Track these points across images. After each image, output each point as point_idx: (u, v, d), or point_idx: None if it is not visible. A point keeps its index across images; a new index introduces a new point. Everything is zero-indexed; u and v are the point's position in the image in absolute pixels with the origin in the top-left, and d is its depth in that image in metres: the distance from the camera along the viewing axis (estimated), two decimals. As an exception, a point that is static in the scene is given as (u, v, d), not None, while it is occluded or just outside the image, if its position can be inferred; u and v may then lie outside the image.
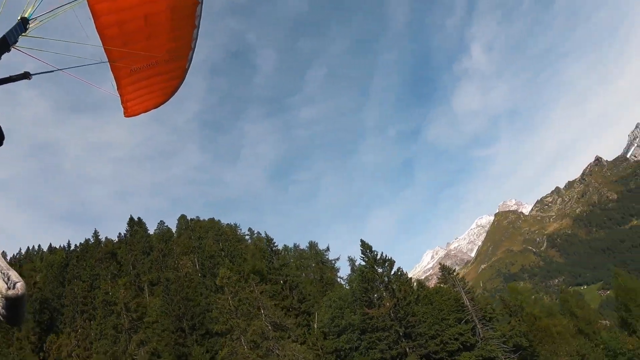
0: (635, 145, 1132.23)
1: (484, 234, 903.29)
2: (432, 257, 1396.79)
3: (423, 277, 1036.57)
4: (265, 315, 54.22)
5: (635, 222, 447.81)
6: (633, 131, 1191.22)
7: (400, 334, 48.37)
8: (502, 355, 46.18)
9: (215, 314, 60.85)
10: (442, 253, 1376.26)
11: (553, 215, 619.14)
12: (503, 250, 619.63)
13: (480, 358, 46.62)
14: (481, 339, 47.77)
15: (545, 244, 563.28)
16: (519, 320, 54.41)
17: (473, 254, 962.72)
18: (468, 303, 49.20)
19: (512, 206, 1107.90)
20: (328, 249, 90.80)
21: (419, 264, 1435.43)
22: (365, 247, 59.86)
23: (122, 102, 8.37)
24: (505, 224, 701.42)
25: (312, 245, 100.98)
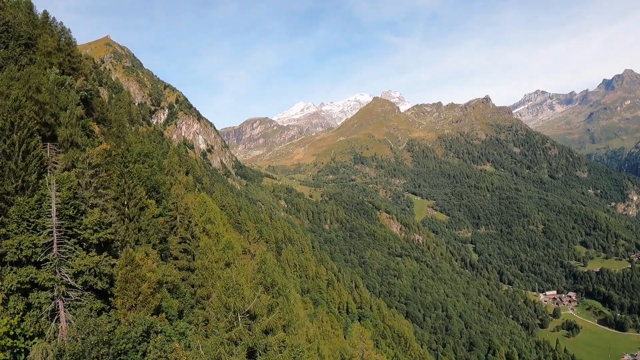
0: (525, 106, 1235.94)
1: (357, 110, 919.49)
2: (302, 110, 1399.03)
3: (285, 125, 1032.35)
4: None
5: (487, 167, 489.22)
6: (530, 94, 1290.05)
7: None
8: (56, 288, 34.34)
9: None
10: (313, 110, 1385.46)
11: (424, 124, 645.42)
12: (365, 133, 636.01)
13: (24, 279, 33.66)
14: (53, 259, 36.24)
15: (404, 145, 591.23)
16: (109, 255, 39.75)
17: (339, 123, 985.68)
18: (55, 213, 34.95)
19: (394, 98, 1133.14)
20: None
21: (287, 112, 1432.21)
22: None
23: None
24: (379, 111, 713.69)
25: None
